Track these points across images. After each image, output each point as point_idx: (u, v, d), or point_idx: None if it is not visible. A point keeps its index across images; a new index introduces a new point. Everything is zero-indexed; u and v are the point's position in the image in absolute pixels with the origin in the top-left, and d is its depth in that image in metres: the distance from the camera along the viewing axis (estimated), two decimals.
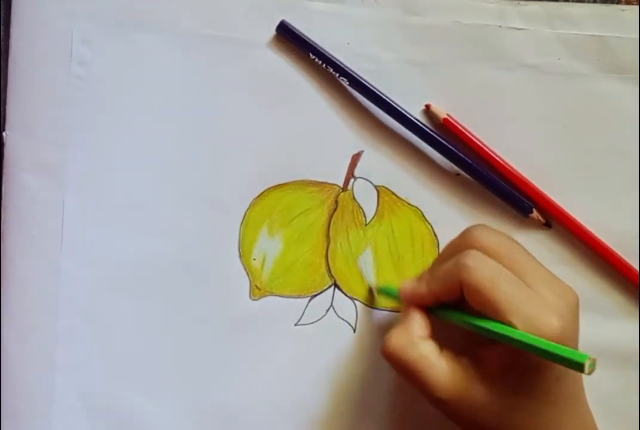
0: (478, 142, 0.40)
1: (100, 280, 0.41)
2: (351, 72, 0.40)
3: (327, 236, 0.41)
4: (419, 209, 0.41)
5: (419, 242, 0.41)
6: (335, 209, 0.41)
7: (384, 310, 0.41)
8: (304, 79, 0.40)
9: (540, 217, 0.40)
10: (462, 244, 0.35)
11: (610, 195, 0.40)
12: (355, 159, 0.41)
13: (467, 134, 0.40)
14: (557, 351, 0.29)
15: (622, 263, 0.40)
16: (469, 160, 0.40)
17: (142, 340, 0.41)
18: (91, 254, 0.41)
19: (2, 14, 0.40)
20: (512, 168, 0.40)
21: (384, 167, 0.41)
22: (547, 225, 0.40)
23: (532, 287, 0.33)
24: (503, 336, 0.31)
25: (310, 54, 0.40)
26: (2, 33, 0.40)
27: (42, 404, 0.41)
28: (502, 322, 0.32)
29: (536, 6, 0.39)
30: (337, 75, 0.40)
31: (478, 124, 0.40)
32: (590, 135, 0.40)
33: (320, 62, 0.40)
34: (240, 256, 0.41)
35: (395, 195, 0.41)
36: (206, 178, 0.41)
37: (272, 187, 0.41)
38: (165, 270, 0.41)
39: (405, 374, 0.34)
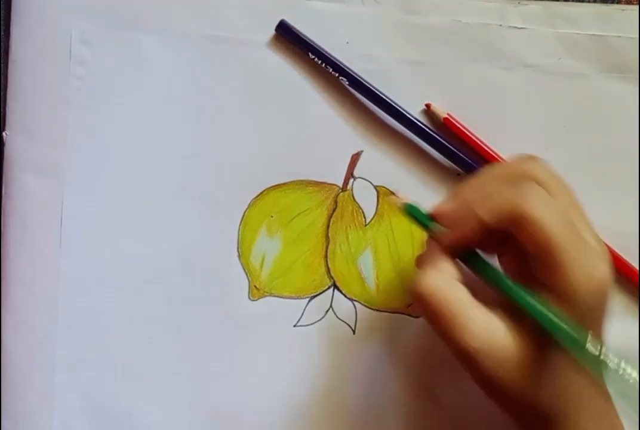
0: (478, 142, 0.40)
1: (100, 280, 0.41)
2: (351, 72, 0.39)
3: (327, 236, 0.41)
4: None
5: (418, 242, 0.41)
6: (334, 209, 0.41)
7: (384, 311, 0.41)
8: (303, 79, 0.40)
9: None
10: (520, 172, 0.32)
11: (611, 195, 0.40)
12: (355, 158, 0.41)
13: (468, 133, 0.40)
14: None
15: (622, 262, 0.40)
16: (470, 160, 0.40)
17: (141, 340, 0.41)
18: (90, 254, 0.41)
19: (2, 14, 0.40)
20: None
21: (384, 167, 0.41)
22: None
23: (580, 232, 0.31)
24: (529, 309, 0.30)
25: (310, 54, 0.39)
26: (2, 33, 0.41)
27: (42, 404, 0.41)
28: (531, 293, 0.30)
29: (536, 6, 0.39)
30: (337, 75, 0.40)
31: (478, 123, 0.40)
32: (590, 135, 0.40)
33: (320, 62, 0.39)
34: (239, 256, 0.41)
35: (395, 195, 0.41)
36: (205, 178, 0.41)
37: (271, 187, 0.41)
38: (164, 271, 0.41)
39: (439, 317, 0.31)
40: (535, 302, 0.30)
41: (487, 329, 0.30)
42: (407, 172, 0.41)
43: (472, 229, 0.32)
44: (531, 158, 0.34)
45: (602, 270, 0.30)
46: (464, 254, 0.33)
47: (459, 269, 0.32)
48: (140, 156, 0.41)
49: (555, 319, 0.30)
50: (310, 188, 0.41)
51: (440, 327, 0.31)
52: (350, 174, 0.41)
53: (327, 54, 0.39)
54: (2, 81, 0.41)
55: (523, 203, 0.30)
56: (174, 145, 0.41)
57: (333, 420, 0.42)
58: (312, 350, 0.41)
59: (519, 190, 0.31)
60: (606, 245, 0.39)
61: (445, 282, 0.31)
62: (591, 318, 0.31)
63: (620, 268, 0.40)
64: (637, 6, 0.39)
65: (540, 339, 0.31)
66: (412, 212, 0.34)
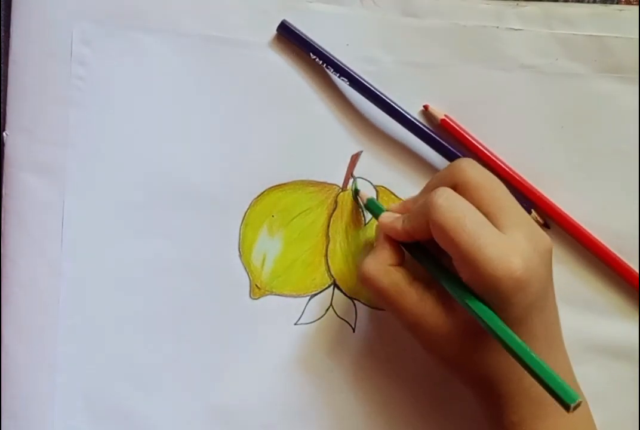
0: (476, 143, 0.41)
1: (101, 280, 0.41)
2: (351, 72, 0.40)
3: (327, 236, 0.41)
4: None
5: None
6: (334, 209, 0.41)
7: (383, 309, 0.42)
8: (304, 79, 0.41)
9: (538, 218, 0.40)
10: (447, 175, 0.35)
11: (609, 196, 0.41)
12: (355, 159, 0.41)
13: (465, 134, 0.40)
14: (547, 379, 0.28)
15: (620, 264, 0.40)
16: None
17: (142, 340, 0.41)
18: (91, 254, 0.41)
19: (2, 14, 0.40)
20: (510, 168, 0.40)
21: (383, 167, 0.41)
22: (546, 225, 0.41)
23: (504, 228, 0.32)
24: (471, 311, 0.32)
25: (311, 54, 0.40)
26: (2, 33, 0.40)
27: (42, 404, 0.41)
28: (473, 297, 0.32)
29: (534, 7, 0.40)
30: (338, 75, 0.40)
31: (476, 124, 0.41)
32: (588, 135, 0.40)
33: (320, 62, 0.40)
34: (240, 256, 0.41)
35: (394, 195, 0.41)
36: (206, 178, 0.41)
37: (272, 187, 0.41)
38: (165, 270, 0.41)
39: (379, 298, 0.36)
40: (458, 292, 0.32)
41: (418, 308, 0.34)
42: (406, 172, 0.41)
43: (405, 239, 0.36)
44: (461, 160, 0.35)
45: (509, 267, 0.31)
46: (408, 245, 0.36)
47: (398, 253, 0.36)
48: (141, 156, 0.41)
49: (479, 312, 0.31)
50: (311, 188, 0.41)
51: (382, 304, 0.36)
52: (350, 174, 0.41)
53: (328, 54, 0.40)
54: (2, 81, 0.41)
55: (429, 210, 0.32)
56: (174, 145, 0.41)
57: (333, 418, 0.42)
58: (313, 348, 0.42)
59: (428, 197, 0.33)
60: (604, 247, 0.40)
61: (379, 268, 0.35)
62: (511, 306, 0.32)
63: (618, 269, 0.40)
64: (636, 6, 0.40)
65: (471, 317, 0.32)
66: (370, 205, 0.39)
